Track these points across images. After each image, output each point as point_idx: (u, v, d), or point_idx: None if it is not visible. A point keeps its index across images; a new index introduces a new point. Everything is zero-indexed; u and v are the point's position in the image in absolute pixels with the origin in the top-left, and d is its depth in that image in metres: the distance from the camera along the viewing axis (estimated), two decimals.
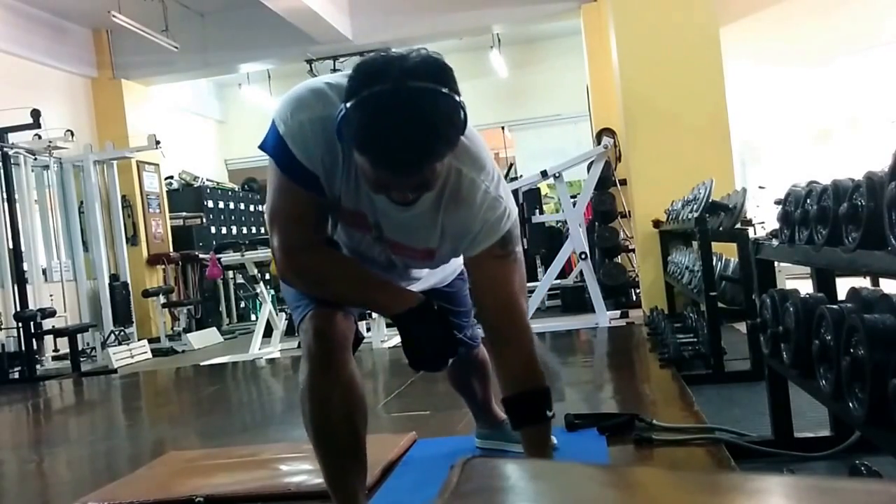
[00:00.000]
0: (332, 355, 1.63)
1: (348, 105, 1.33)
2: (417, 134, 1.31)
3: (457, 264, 1.91)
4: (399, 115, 1.30)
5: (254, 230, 10.07)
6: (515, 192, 5.88)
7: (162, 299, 7.42)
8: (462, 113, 1.36)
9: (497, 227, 1.58)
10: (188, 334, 7.30)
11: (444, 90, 1.33)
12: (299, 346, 6.25)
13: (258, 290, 6.45)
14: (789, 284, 2.39)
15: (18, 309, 5.97)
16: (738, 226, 3.34)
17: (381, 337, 5.79)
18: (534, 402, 1.63)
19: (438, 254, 1.67)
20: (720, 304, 3.58)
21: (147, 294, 7.34)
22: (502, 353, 1.65)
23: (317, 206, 1.55)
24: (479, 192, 1.55)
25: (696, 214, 3.69)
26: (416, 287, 1.80)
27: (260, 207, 10.60)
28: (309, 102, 1.50)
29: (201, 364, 5.84)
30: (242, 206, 10.13)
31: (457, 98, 1.35)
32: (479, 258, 1.60)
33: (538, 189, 7.84)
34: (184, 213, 9.05)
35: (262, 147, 1.56)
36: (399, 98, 1.29)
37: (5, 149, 6.22)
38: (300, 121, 1.49)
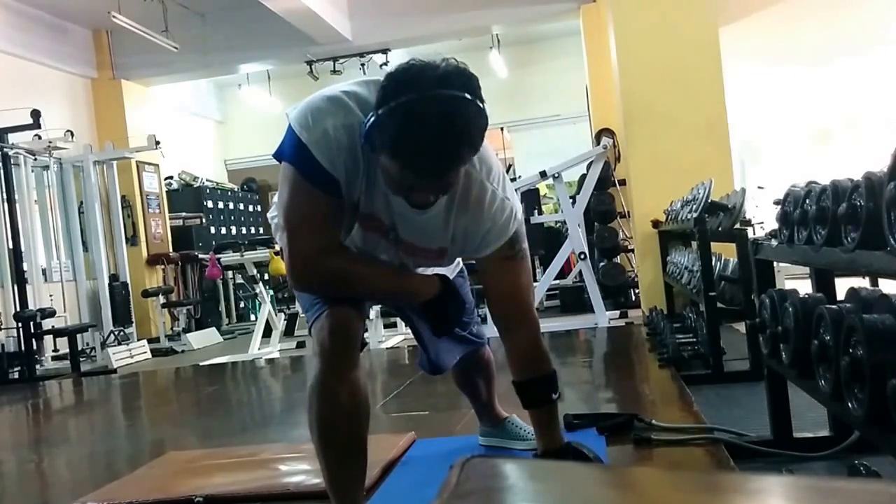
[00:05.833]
0: (344, 354, 1.66)
1: (381, 112, 1.39)
2: (449, 141, 1.39)
3: (457, 261, 1.99)
4: (432, 123, 1.36)
5: (253, 230, 10.07)
6: None
7: (161, 299, 7.42)
8: (485, 119, 1.43)
9: (506, 229, 1.67)
10: (188, 334, 7.31)
11: (473, 98, 1.39)
12: (298, 347, 6.20)
13: (257, 291, 6.45)
14: (788, 284, 2.39)
15: (18, 309, 5.97)
16: (738, 226, 3.34)
17: (379, 338, 5.80)
18: (539, 387, 1.78)
19: (450, 253, 1.74)
20: (719, 305, 3.58)
21: (147, 294, 7.34)
22: (511, 341, 1.78)
23: (339, 210, 1.59)
24: (487, 194, 1.63)
25: (695, 214, 3.69)
26: None
27: (259, 208, 10.60)
28: (330, 110, 1.53)
29: (201, 364, 5.84)
30: (242, 207, 10.13)
31: (481, 105, 1.41)
32: (489, 259, 1.70)
33: (537, 189, 7.83)
34: (183, 214, 9.06)
35: (277, 156, 1.59)
36: (432, 106, 1.36)
37: (5, 149, 6.22)
38: (324, 128, 1.52)
